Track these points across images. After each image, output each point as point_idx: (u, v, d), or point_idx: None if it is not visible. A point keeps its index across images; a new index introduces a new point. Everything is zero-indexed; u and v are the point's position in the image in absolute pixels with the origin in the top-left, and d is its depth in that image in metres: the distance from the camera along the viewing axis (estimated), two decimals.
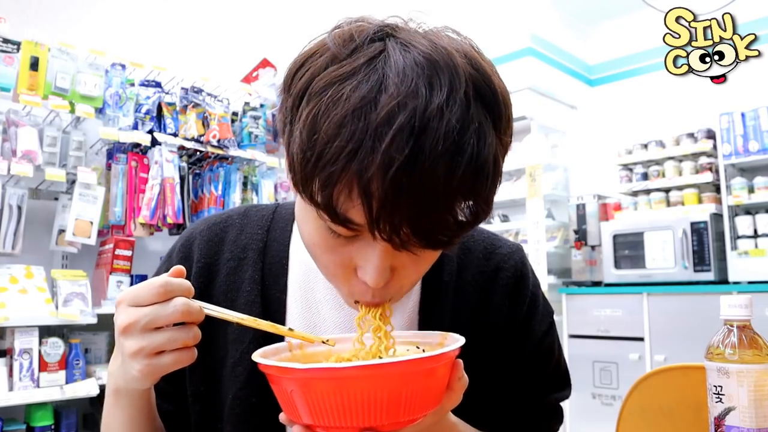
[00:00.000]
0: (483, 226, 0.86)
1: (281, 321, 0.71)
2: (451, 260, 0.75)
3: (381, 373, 0.47)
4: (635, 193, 4.02)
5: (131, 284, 2.49)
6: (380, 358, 0.58)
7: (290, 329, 0.58)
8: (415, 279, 0.60)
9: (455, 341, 0.55)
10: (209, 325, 0.64)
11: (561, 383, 0.80)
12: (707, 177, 3.69)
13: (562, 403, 0.82)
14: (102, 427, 0.68)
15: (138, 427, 0.65)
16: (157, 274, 0.78)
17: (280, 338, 0.64)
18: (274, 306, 0.71)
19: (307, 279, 0.73)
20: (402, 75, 0.48)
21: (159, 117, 2.64)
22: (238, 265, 0.74)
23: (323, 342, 0.59)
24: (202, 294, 0.73)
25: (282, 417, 0.54)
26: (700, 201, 3.72)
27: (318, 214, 0.51)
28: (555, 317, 0.83)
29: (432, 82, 0.48)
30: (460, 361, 0.54)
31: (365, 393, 0.47)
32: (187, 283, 0.56)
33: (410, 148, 0.46)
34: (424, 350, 0.60)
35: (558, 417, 0.80)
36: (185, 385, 0.73)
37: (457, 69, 0.49)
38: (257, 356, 0.53)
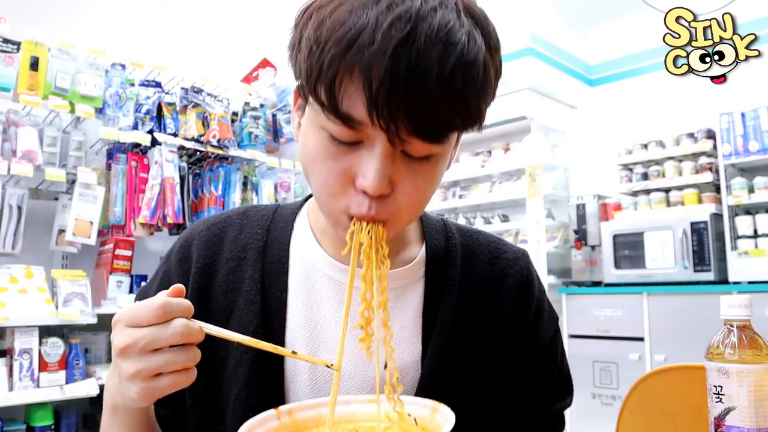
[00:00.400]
0: (484, 227, 0.85)
1: (282, 320, 0.70)
2: (455, 264, 0.74)
3: None
4: (635, 193, 4.02)
5: (131, 284, 2.49)
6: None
7: (293, 352, 0.57)
8: (412, 200, 0.60)
9: (446, 417, 0.53)
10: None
11: (563, 391, 0.80)
12: (707, 177, 3.69)
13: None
14: None
15: None
16: (156, 275, 0.77)
17: (278, 344, 0.65)
18: (274, 305, 0.71)
19: (308, 278, 0.72)
20: None
21: (159, 117, 2.64)
22: (237, 264, 0.73)
23: (327, 366, 0.57)
24: (201, 295, 0.72)
25: None
26: (700, 201, 3.72)
27: (323, 116, 0.55)
28: None
29: None
30: None
31: None
32: (187, 302, 0.55)
33: (407, 32, 0.51)
34: (415, 419, 0.58)
35: (560, 426, 0.79)
36: (184, 389, 0.72)
37: None
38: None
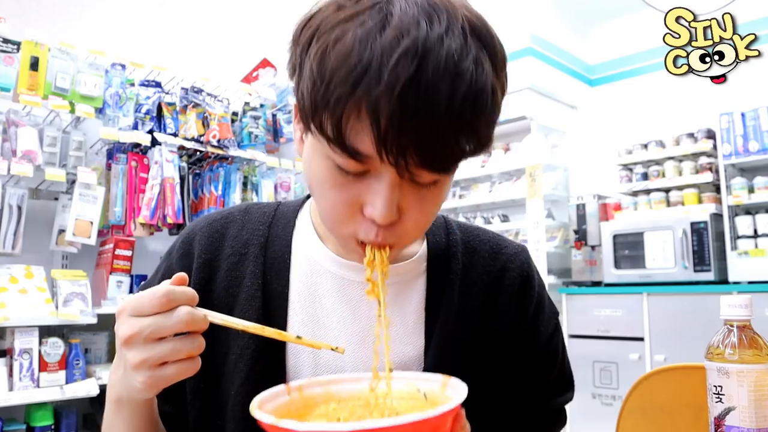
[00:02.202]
0: (484, 226, 0.85)
1: (283, 315, 0.71)
2: (456, 259, 0.75)
3: None
4: (635, 193, 4.02)
5: (131, 284, 2.49)
6: (380, 403, 0.56)
7: (298, 337, 0.57)
8: (419, 224, 0.61)
9: (457, 390, 0.53)
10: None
11: (565, 386, 0.80)
12: (707, 177, 3.69)
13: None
14: None
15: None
16: (157, 272, 0.77)
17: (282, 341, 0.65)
18: (275, 300, 0.71)
19: (311, 273, 0.72)
20: (404, 13, 0.52)
21: (159, 117, 2.64)
22: (239, 260, 0.73)
23: (332, 349, 0.58)
24: (203, 290, 0.72)
25: None
26: (700, 201, 3.72)
27: (329, 148, 0.54)
28: None
29: (431, 19, 0.52)
30: (463, 410, 0.53)
31: None
32: (191, 290, 0.55)
33: (415, 67, 0.50)
34: (425, 394, 0.58)
35: (561, 421, 0.79)
36: (185, 384, 0.72)
37: (455, 10, 0.54)
38: (254, 408, 0.51)
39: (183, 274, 0.57)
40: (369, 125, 0.51)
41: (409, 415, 0.45)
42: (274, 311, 0.70)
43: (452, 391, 0.55)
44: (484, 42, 0.55)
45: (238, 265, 0.73)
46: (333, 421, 0.54)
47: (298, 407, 0.57)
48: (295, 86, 0.58)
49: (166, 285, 0.54)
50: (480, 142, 0.56)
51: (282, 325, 0.70)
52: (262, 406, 0.52)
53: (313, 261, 0.73)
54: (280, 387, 0.57)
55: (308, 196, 0.80)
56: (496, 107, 0.56)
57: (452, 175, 0.61)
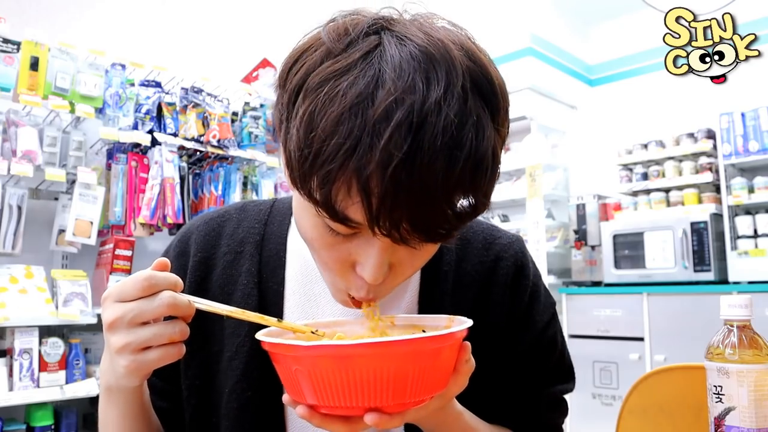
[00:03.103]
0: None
1: (279, 313, 0.71)
2: (450, 251, 0.74)
3: (388, 352, 0.46)
4: (635, 193, 4.02)
5: None
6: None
7: (279, 320, 0.57)
8: (410, 274, 0.60)
9: (461, 322, 0.54)
10: (205, 319, 0.64)
11: (564, 376, 0.79)
12: (707, 177, 3.69)
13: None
14: (99, 425, 0.68)
15: (132, 424, 0.65)
16: None
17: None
18: (270, 298, 0.71)
19: (306, 271, 0.72)
20: (399, 70, 0.47)
21: (159, 117, 2.64)
22: (234, 258, 0.73)
23: (312, 333, 0.58)
24: (198, 288, 0.72)
25: (285, 398, 0.53)
26: (700, 201, 3.72)
27: (317, 211, 0.51)
28: None
29: (429, 77, 0.48)
30: (468, 343, 0.54)
31: (371, 372, 0.46)
32: (174, 276, 0.55)
33: (409, 144, 0.46)
34: (425, 330, 0.59)
35: (562, 410, 0.79)
36: (180, 381, 0.73)
37: (453, 62, 0.49)
38: (261, 335, 0.52)
39: (164, 259, 0.57)
40: (360, 201, 0.48)
41: (416, 334, 0.46)
42: (270, 309, 0.71)
43: (456, 324, 0.56)
44: (486, 98, 0.51)
45: (234, 263, 0.73)
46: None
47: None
48: (281, 141, 0.54)
49: (148, 270, 0.54)
50: (477, 210, 0.53)
51: None
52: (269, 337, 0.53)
53: (307, 259, 0.72)
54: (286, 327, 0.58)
55: None
56: (496, 168, 0.53)
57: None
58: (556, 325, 0.78)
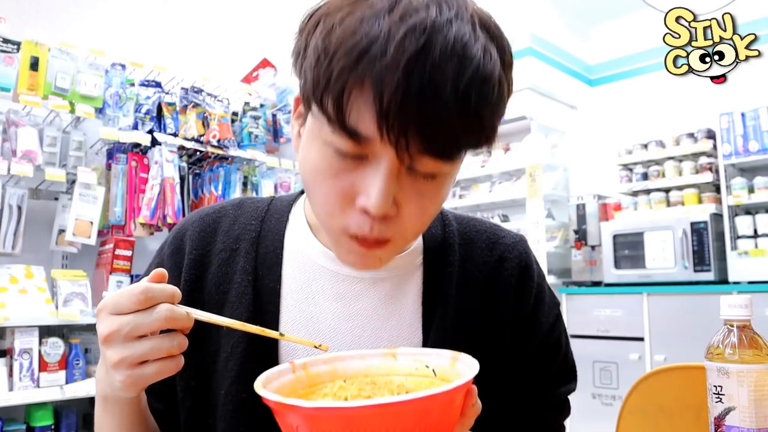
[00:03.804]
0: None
1: (275, 312, 0.69)
2: (453, 251, 0.73)
3: (397, 411, 0.44)
4: (635, 193, 4.02)
5: (131, 284, 2.49)
6: (389, 383, 0.55)
7: (281, 333, 0.56)
8: (416, 222, 0.59)
9: (469, 365, 0.52)
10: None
11: (568, 376, 0.78)
12: (707, 177, 3.69)
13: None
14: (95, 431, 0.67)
15: (130, 429, 0.64)
16: (150, 268, 0.76)
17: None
18: (266, 296, 0.69)
19: (304, 269, 0.71)
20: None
21: (159, 117, 2.64)
22: (230, 256, 0.72)
23: (315, 347, 0.56)
24: (194, 286, 0.71)
25: None
26: (700, 201, 3.72)
27: (328, 130, 0.53)
28: None
29: (441, 5, 0.52)
30: (474, 387, 0.52)
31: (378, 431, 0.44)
32: (171, 287, 0.54)
33: (422, 43, 0.49)
34: (434, 371, 0.57)
35: (566, 411, 0.78)
36: (176, 383, 0.71)
37: (465, 2, 0.54)
38: (259, 387, 0.49)
39: (161, 270, 0.55)
40: (371, 100, 0.50)
41: (419, 392, 0.44)
42: (266, 308, 0.69)
43: (463, 366, 0.54)
44: (493, 35, 0.55)
45: (229, 260, 0.72)
46: (340, 400, 0.52)
47: (303, 385, 0.55)
48: (297, 70, 0.57)
49: (144, 282, 0.53)
50: (484, 132, 0.54)
51: (274, 322, 0.69)
52: (267, 385, 0.51)
53: (306, 256, 0.71)
54: (285, 365, 0.56)
55: (302, 191, 0.78)
56: (502, 100, 0.55)
57: (453, 173, 0.60)
58: (560, 326, 0.78)
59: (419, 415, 0.45)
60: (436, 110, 0.50)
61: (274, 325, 0.68)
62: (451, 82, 0.49)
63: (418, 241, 0.74)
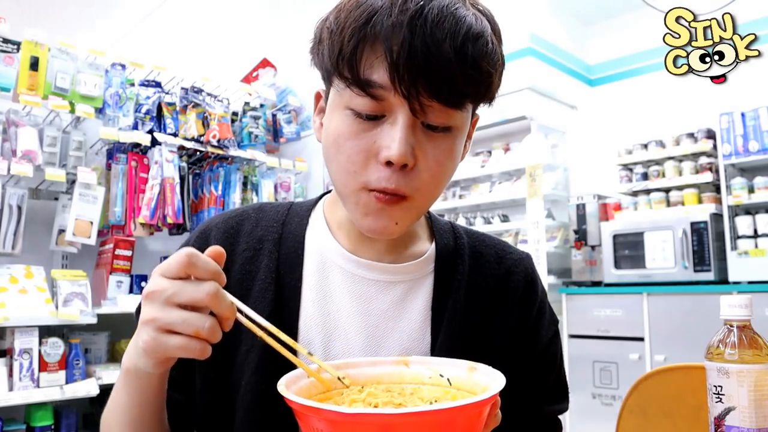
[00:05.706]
0: (483, 228, 0.86)
1: (296, 308, 0.72)
2: (463, 261, 0.77)
3: (426, 420, 0.44)
4: (635, 193, 4.02)
5: (131, 284, 2.49)
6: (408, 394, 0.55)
7: (309, 353, 0.57)
8: (432, 175, 0.64)
9: (490, 376, 0.52)
10: None
11: (560, 395, 0.81)
12: (707, 177, 3.69)
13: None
14: (103, 417, 0.67)
15: (140, 416, 0.63)
16: None
17: (292, 332, 0.68)
18: (288, 293, 0.73)
19: (323, 269, 0.75)
20: None
21: (159, 117, 2.64)
22: (253, 255, 0.75)
23: (339, 379, 0.57)
24: None
25: None
26: (700, 201, 3.72)
27: (347, 93, 0.61)
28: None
29: None
30: (499, 399, 0.52)
31: None
32: (216, 266, 0.54)
33: (421, 5, 0.59)
34: (449, 380, 0.57)
35: (558, 430, 0.80)
36: (196, 374, 0.73)
37: None
38: (282, 388, 0.50)
39: (219, 248, 0.56)
40: (382, 56, 0.58)
41: (457, 401, 0.45)
42: (286, 303, 0.72)
43: (482, 376, 0.55)
44: (483, 12, 0.64)
45: (253, 259, 0.75)
46: (370, 407, 0.52)
47: (319, 390, 0.57)
48: (317, 58, 0.65)
49: (192, 249, 0.54)
50: (483, 82, 0.62)
51: (294, 317, 0.72)
52: (289, 389, 0.51)
53: (325, 257, 0.75)
54: (299, 371, 0.57)
55: (321, 196, 0.83)
56: (496, 55, 0.63)
57: (463, 128, 0.66)
58: (558, 343, 0.81)
59: (449, 424, 0.45)
60: (439, 61, 0.58)
61: (294, 320, 0.72)
62: (450, 37, 0.58)
63: (431, 251, 0.78)
